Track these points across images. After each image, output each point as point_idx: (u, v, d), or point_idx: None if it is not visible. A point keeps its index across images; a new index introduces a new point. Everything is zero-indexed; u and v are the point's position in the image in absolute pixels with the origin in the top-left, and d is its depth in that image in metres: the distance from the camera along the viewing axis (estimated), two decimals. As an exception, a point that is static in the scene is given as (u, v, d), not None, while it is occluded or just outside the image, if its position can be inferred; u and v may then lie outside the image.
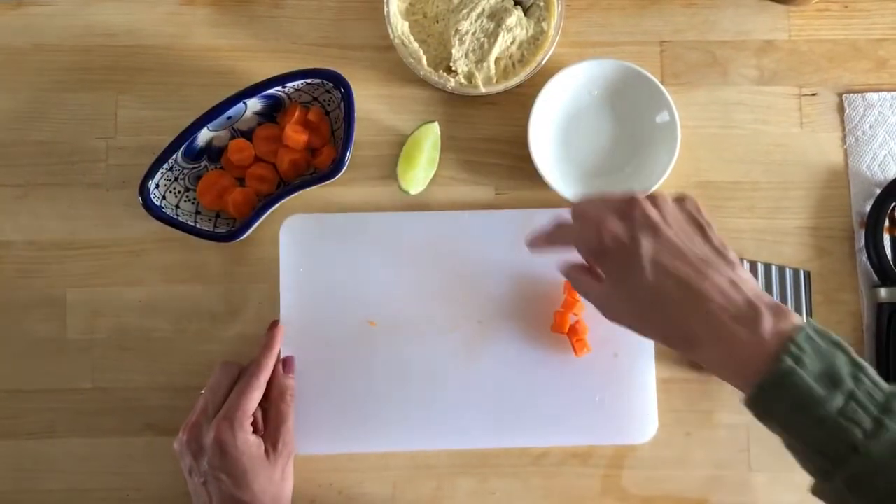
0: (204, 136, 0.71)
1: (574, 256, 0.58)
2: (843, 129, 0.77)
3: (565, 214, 0.58)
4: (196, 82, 0.76)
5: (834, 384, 0.47)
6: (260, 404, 0.66)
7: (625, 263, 0.53)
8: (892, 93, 0.77)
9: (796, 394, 0.47)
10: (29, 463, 0.72)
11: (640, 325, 0.54)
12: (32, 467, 0.72)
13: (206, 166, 0.73)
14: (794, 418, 0.47)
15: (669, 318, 0.52)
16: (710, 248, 0.53)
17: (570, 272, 0.59)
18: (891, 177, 0.75)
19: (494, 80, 0.73)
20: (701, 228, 0.54)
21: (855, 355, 0.49)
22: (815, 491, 0.49)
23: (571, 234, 0.57)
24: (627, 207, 0.54)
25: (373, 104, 0.76)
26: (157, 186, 0.70)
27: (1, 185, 0.74)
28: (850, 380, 0.47)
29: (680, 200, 0.56)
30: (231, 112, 0.70)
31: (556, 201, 0.72)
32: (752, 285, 0.52)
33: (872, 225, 0.74)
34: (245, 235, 0.70)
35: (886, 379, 0.72)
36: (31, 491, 0.72)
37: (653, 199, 0.55)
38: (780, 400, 0.47)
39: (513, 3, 0.74)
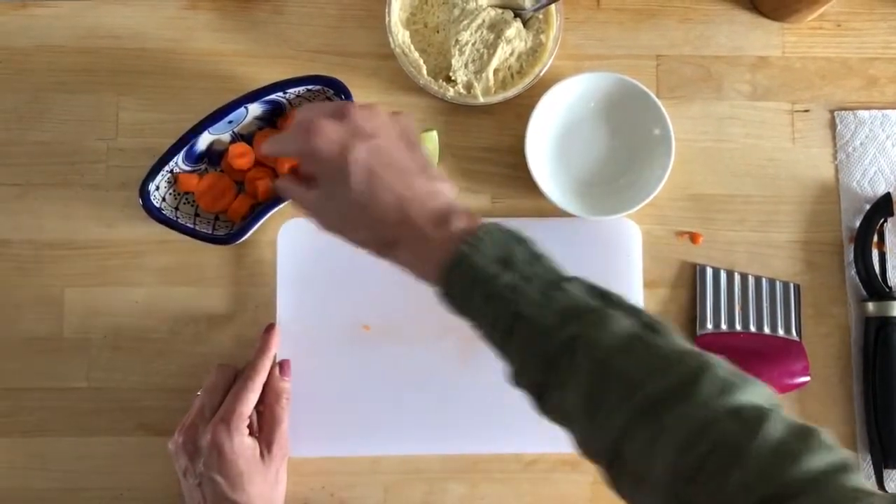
0: (205, 139, 0.71)
1: None
2: (834, 145, 0.78)
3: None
4: (197, 86, 0.76)
5: (506, 266, 0.51)
6: (255, 407, 0.67)
7: (337, 166, 0.55)
8: (883, 111, 0.78)
9: (470, 273, 0.51)
10: (21, 461, 0.72)
11: (348, 229, 0.57)
12: (25, 465, 0.72)
13: (206, 169, 0.74)
14: (470, 296, 0.51)
15: (374, 221, 0.55)
16: (416, 162, 0.56)
17: (280, 183, 0.60)
18: (880, 193, 0.77)
19: (493, 91, 0.74)
20: (410, 144, 0.57)
21: (537, 248, 0.53)
22: (510, 378, 0.53)
23: (287, 140, 0.58)
24: (343, 113, 0.56)
25: (372, 111, 0.76)
26: (157, 189, 0.70)
27: (1, 183, 0.75)
28: (523, 264, 0.51)
29: (395, 115, 0.58)
30: (232, 116, 0.70)
31: (552, 210, 0.73)
32: (449, 197, 0.56)
33: (861, 240, 0.75)
34: (243, 239, 0.71)
35: (872, 391, 0.73)
36: (24, 489, 0.72)
37: (367, 108, 0.57)
38: (458, 282, 0.51)
39: (512, 15, 0.75)
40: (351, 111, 0.56)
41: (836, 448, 0.43)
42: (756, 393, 0.46)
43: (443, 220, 0.53)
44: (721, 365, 0.47)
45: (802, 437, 0.43)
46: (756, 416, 0.44)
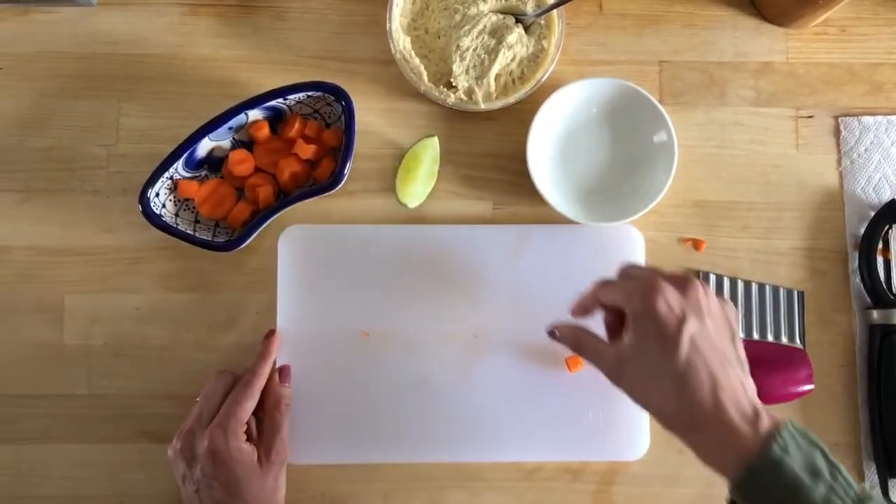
0: (205, 145, 0.71)
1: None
2: (839, 151, 0.77)
3: (607, 278, 0.61)
4: (198, 92, 0.76)
5: (816, 476, 0.51)
6: (254, 413, 0.67)
7: (665, 333, 0.55)
8: (888, 116, 0.77)
9: (785, 480, 0.51)
10: (23, 468, 0.72)
11: (653, 394, 0.56)
12: (27, 472, 0.72)
13: (206, 175, 0.74)
14: (780, 500, 0.51)
15: (685, 397, 0.54)
16: (734, 351, 0.57)
17: (575, 334, 0.61)
18: (885, 200, 0.76)
19: (494, 97, 0.74)
20: (732, 332, 0.58)
21: (831, 456, 0.53)
22: None
23: (623, 291, 0.58)
24: (685, 284, 0.57)
25: (373, 117, 0.76)
26: (157, 195, 0.70)
27: (1, 190, 0.75)
28: (828, 475, 0.51)
29: (723, 302, 0.59)
30: (233, 122, 0.70)
31: (553, 217, 0.73)
32: (754, 392, 0.56)
33: (866, 247, 0.74)
34: (244, 245, 0.71)
35: (877, 399, 0.73)
36: (25, 496, 0.72)
37: (705, 287, 0.58)
38: (769, 485, 0.51)
39: (514, 20, 0.75)
40: (693, 286, 0.57)
41: None
42: None
43: (753, 415, 0.53)
44: None
45: None
46: None
